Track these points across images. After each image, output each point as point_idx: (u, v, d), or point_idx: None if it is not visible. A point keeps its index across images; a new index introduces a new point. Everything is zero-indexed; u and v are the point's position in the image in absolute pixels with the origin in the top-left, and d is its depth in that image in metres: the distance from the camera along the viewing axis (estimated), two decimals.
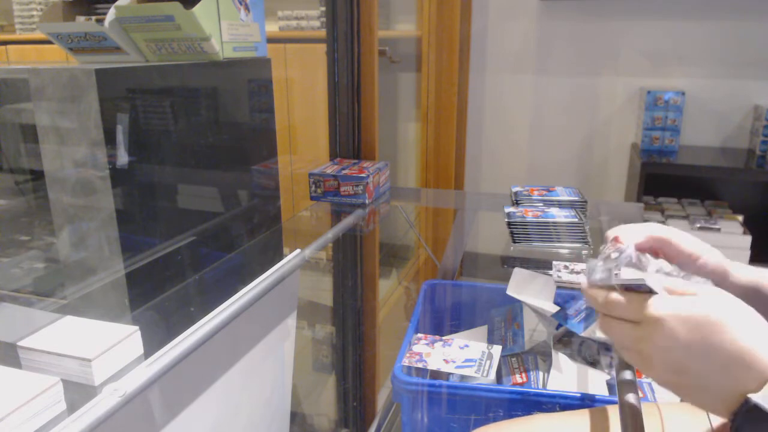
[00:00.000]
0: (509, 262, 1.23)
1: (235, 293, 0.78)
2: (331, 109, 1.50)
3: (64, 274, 0.85)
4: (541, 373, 1.10)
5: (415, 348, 1.07)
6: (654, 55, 2.31)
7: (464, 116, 2.56)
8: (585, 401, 0.91)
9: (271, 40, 1.17)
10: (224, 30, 0.99)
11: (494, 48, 2.49)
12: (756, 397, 0.44)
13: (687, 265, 0.61)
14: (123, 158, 0.80)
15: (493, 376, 1.00)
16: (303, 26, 2.38)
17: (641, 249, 0.59)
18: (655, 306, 0.49)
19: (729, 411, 0.46)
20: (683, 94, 2.19)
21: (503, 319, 1.26)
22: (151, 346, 0.65)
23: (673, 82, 2.30)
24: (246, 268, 1.08)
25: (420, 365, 1.02)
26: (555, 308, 1.15)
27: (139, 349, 0.65)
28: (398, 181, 2.48)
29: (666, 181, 2.28)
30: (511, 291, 1.17)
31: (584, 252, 1.16)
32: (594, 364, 1.14)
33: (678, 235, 0.62)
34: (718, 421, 0.65)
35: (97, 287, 0.82)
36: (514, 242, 1.18)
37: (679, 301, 0.49)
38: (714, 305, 0.48)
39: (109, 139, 0.77)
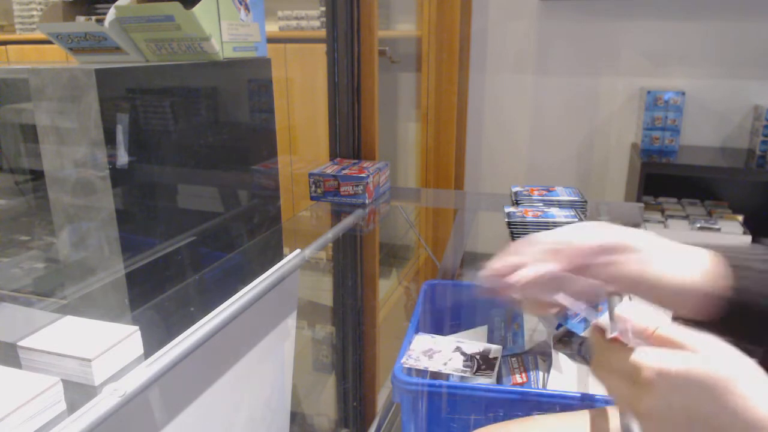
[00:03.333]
0: None
1: (235, 293, 0.78)
2: (331, 109, 1.50)
3: (64, 274, 0.85)
4: (541, 373, 1.10)
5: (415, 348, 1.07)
6: (654, 55, 2.31)
7: (464, 116, 2.56)
8: (585, 401, 0.91)
9: (271, 40, 1.17)
10: (224, 30, 0.99)
11: (494, 48, 2.49)
12: None
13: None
14: (123, 158, 0.80)
15: (493, 376, 1.00)
16: (303, 26, 2.38)
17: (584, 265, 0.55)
18: (648, 366, 0.43)
19: None
20: (683, 94, 2.19)
21: (503, 319, 1.26)
22: (151, 346, 0.65)
23: (673, 82, 2.30)
24: (246, 268, 1.08)
25: (420, 365, 1.02)
26: None
27: (139, 349, 0.65)
28: (398, 181, 2.48)
29: (666, 181, 2.28)
30: None
31: None
32: None
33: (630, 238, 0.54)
34: None
35: (97, 287, 0.82)
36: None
37: (675, 360, 0.42)
38: (716, 365, 0.41)
39: (109, 139, 0.77)
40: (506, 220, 1.19)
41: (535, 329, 1.20)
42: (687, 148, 2.30)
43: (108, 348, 0.61)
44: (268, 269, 0.88)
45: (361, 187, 1.32)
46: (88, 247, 0.81)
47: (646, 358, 0.43)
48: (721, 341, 0.43)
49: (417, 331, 1.16)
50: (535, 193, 1.31)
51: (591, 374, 0.49)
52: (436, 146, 2.40)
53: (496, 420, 0.93)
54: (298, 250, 0.98)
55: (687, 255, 0.55)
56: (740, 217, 2.09)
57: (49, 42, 1.00)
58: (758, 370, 0.41)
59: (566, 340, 1.21)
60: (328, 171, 1.36)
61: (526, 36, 2.44)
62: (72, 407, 0.54)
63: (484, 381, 0.99)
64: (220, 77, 1.02)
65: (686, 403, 0.41)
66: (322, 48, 1.55)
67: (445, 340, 1.10)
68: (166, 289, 0.90)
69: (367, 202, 1.33)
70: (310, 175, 1.35)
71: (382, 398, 1.68)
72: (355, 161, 1.48)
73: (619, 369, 0.45)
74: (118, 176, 0.79)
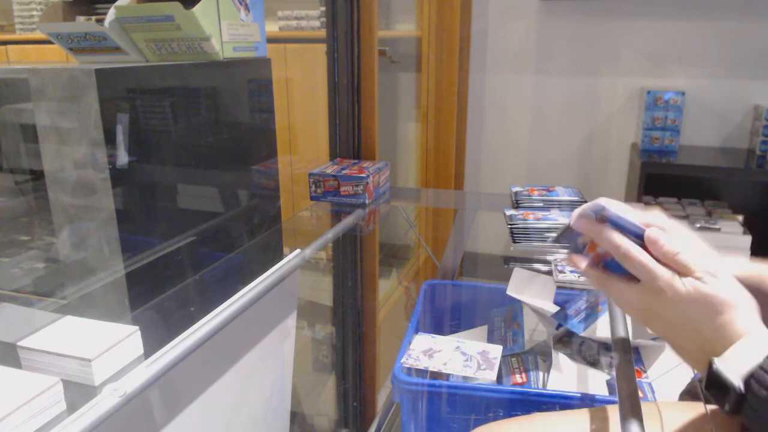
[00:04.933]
0: (509, 262, 1.23)
1: (235, 293, 0.78)
2: (331, 109, 1.50)
3: (64, 274, 0.85)
4: (541, 373, 1.10)
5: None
6: (654, 55, 2.31)
7: (464, 116, 2.56)
8: (585, 401, 0.91)
9: (271, 40, 1.17)
10: (224, 30, 0.99)
11: (494, 48, 2.49)
12: (717, 361, 0.53)
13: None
14: (123, 158, 0.80)
15: (493, 376, 1.00)
16: (303, 26, 2.38)
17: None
18: (664, 279, 0.57)
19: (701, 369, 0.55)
20: (683, 94, 2.19)
21: (503, 319, 1.26)
22: (151, 346, 0.65)
23: (673, 82, 2.30)
24: (246, 268, 1.08)
25: (420, 365, 1.02)
26: (555, 308, 1.15)
27: (139, 349, 0.65)
28: (398, 181, 2.48)
29: (666, 181, 2.27)
30: (511, 291, 1.17)
31: None
32: (594, 364, 1.14)
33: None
34: (717, 420, 0.65)
35: (97, 287, 0.82)
36: (514, 242, 1.18)
37: (685, 281, 0.57)
38: (714, 291, 0.55)
39: (109, 139, 0.77)
40: (508, 223, 1.19)
41: (535, 329, 1.21)
42: (687, 148, 2.30)
43: (108, 348, 0.61)
44: (268, 269, 0.88)
45: (361, 187, 1.32)
46: (88, 247, 0.81)
47: (664, 273, 0.58)
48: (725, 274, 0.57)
49: (417, 331, 1.16)
50: (535, 193, 1.31)
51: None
52: (436, 146, 2.40)
53: (496, 420, 0.93)
54: (298, 250, 0.98)
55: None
56: (740, 217, 2.09)
57: (49, 42, 1.00)
58: (746, 300, 0.55)
59: (566, 340, 1.21)
60: (328, 171, 1.36)
61: (526, 36, 2.43)
62: (72, 407, 0.54)
63: (484, 381, 0.99)
64: (220, 77, 1.02)
65: (685, 312, 0.56)
66: (322, 48, 1.55)
67: (445, 340, 1.11)
68: (166, 289, 0.90)
69: (367, 202, 1.33)
70: (310, 175, 1.35)
71: (382, 398, 1.68)
72: (355, 161, 1.48)
73: (644, 276, 0.59)
74: (118, 176, 0.79)
